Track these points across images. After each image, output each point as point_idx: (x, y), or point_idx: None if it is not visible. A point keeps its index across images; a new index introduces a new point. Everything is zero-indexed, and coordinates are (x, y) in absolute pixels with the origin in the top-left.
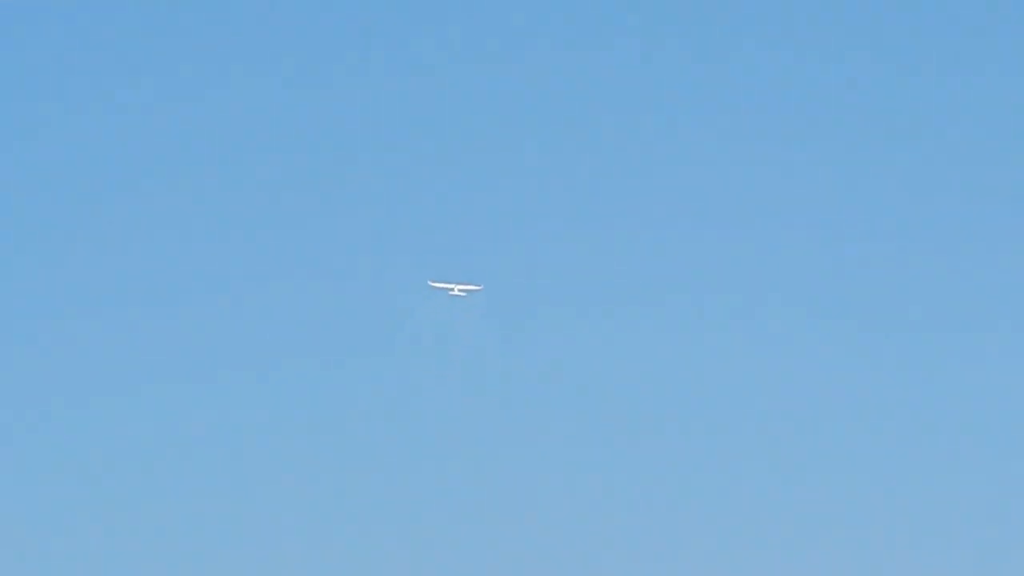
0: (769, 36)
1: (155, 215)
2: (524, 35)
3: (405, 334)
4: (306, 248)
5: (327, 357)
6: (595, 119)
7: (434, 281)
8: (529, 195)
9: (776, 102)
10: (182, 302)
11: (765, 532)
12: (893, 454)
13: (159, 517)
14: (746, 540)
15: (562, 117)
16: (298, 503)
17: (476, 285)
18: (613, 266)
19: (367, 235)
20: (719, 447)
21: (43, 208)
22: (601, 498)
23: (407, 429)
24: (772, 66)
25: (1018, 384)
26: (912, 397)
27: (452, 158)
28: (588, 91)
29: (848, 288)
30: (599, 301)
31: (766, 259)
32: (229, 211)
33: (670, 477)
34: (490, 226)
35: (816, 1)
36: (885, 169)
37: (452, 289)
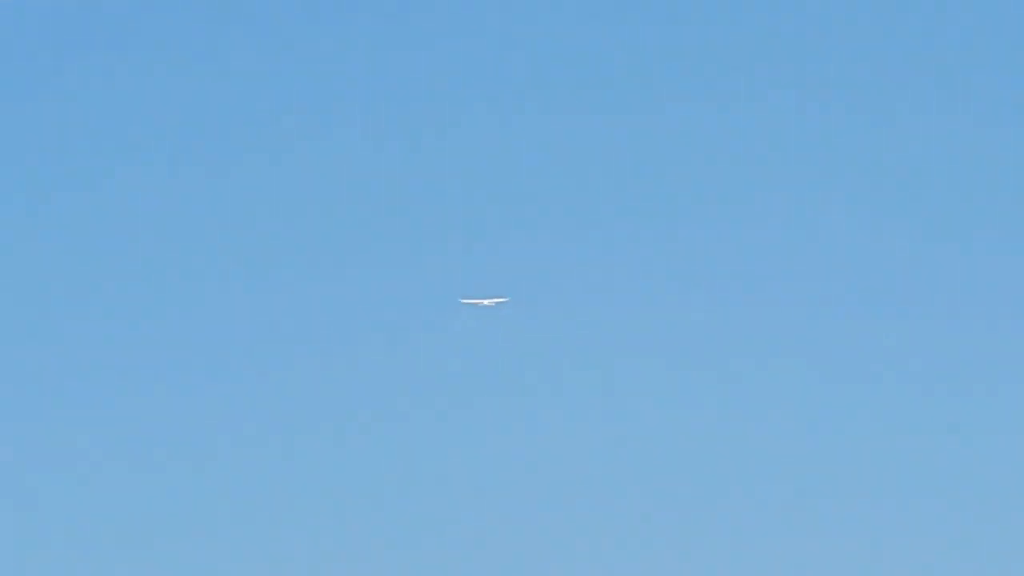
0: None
1: (180, 240)
2: (547, 53)
3: (441, 348)
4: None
5: (368, 379)
6: (620, 135)
7: (465, 298)
8: (554, 207)
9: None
10: (207, 321)
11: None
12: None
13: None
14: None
15: (586, 131)
16: (329, 528)
17: (503, 297)
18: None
19: (394, 259)
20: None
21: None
22: (634, 519)
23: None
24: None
25: None
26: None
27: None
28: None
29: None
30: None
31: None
32: (251, 239)
33: (696, 487)
34: (515, 238)
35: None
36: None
37: (483, 302)
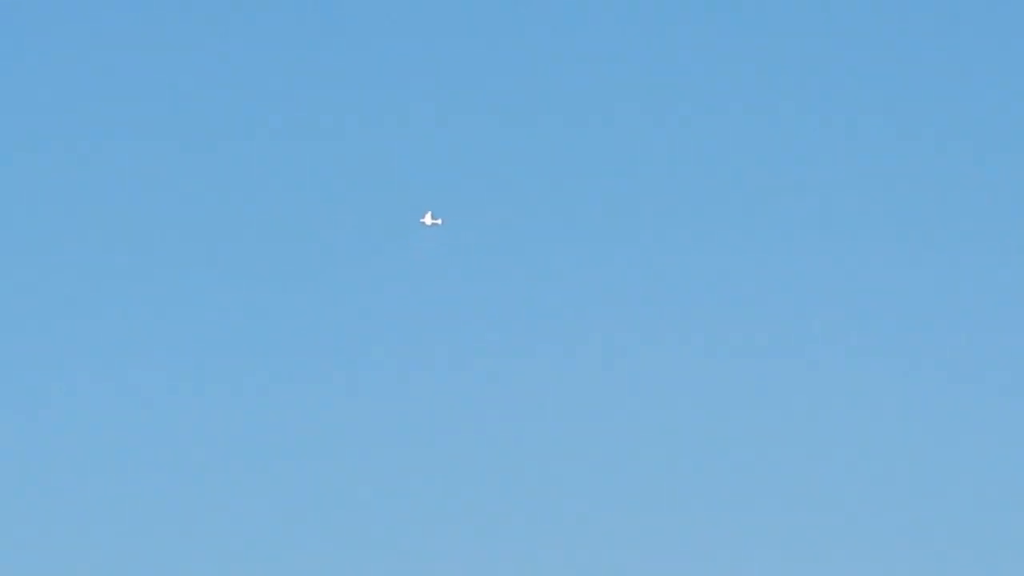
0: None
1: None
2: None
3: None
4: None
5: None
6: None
7: (422, 218)
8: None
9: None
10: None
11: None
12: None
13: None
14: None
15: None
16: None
17: (439, 219)
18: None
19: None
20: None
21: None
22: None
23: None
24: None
25: None
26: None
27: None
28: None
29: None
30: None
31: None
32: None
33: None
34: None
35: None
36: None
37: (433, 222)
